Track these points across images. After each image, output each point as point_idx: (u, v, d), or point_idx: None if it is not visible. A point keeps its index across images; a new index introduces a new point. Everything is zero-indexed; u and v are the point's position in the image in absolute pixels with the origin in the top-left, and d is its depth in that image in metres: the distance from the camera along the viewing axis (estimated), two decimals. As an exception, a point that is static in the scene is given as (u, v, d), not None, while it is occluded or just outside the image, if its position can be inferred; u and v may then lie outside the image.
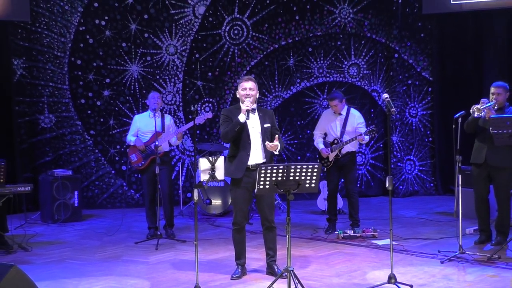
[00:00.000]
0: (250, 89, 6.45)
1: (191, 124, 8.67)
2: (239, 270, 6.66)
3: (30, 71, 11.00)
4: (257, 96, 6.59)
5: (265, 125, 6.50)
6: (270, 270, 6.66)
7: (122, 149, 11.22)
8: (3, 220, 8.21)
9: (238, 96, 6.56)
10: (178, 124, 10.99)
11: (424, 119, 12.08)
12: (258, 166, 6.03)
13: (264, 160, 6.48)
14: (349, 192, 8.59)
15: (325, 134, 8.61)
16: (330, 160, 8.42)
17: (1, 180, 7.88)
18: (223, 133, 6.49)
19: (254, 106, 6.50)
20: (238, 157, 6.47)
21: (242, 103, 6.42)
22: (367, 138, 8.20)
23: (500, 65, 11.54)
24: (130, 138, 8.71)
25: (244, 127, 6.41)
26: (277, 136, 6.37)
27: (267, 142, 6.35)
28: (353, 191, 8.62)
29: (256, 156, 6.48)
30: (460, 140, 7.26)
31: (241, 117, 6.33)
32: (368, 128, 8.19)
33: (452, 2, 11.46)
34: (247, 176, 6.43)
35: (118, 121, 11.25)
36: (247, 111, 6.32)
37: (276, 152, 6.40)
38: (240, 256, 6.72)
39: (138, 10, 11.23)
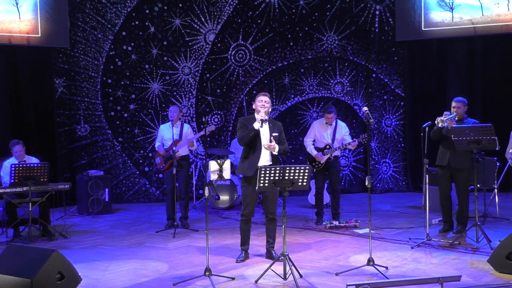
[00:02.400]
0: (266, 101, 6.51)
1: (199, 134, 8.73)
2: (243, 254, 6.69)
3: (69, 88, 11.02)
4: (270, 110, 6.63)
5: (274, 134, 6.52)
6: (269, 254, 6.68)
7: (145, 154, 11.25)
8: (46, 212, 8.26)
9: (254, 107, 6.59)
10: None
11: (397, 128, 12.07)
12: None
13: (271, 163, 6.50)
14: (335, 189, 8.59)
15: (314, 141, 8.63)
16: (322, 163, 8.43)
17: (45, 179, 7.92)
18: (240, 137, 6.54)
19: (267, 117, 6.52)
20: (250, 158, 6.50)
21: (258, 113, 6.46)
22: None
23: (460, 83, 11.56)
24: (157, 144, 8.75)
25: (258, 133, 6.45)
26: (271, 137, 6.41)
27: (264, 143, 6.42)
28: (338, 189, 8.63)
29: (264, 159, 6.51)
30: (427, 145, 7.28)
31: (256, 125, 6.39)
32: (363, 135, 8.29)
33: (422, 29, 11.48)
34: (256, 176, 6.44)
35: (142, 130, 11.27)
36: (261, 120, 6.37)
37: (275, 153, 6.43)
38: (244, 242, 6.74)
39: (159, 38, 11.26)
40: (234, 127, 11.42)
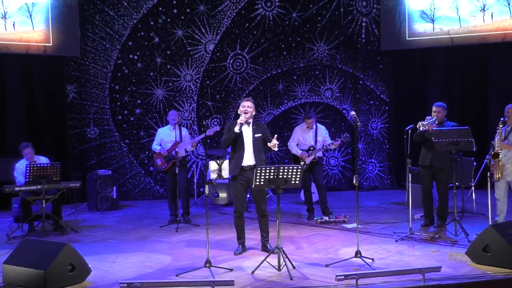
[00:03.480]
0: (248, 106, 6.55)
1: (202, 135, 8.71)
2: (240, 247, 6.70)
3: (80, 94, 11.01)
4: (254, 113, 6.66)
5: (256, 135, 6.58)
6: (264, 247, 6.68)
7: (150, 155, 11.21)
8: (59, 208, 8.25)
9: (239, 112, 6.62)
10: (193, 135, 11.01)
11: (382, 131, 12.09)
12: (250, 166, 6.34)
13: (255, 163, 6.51)
14: (320, 186, 8.66)
15: (297, 145, 8.69)
16: (307, 163, 8.47)
17: (57, 178, 7.93)
18: (223, 140, 6.64)
19: (250, 120, 6.57)
20: (235, 158, 6.57)
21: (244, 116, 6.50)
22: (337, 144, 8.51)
23: (440, 89, 11.59)
24: (155, 147, 8.73)
25: (239, 135, 6.50)
26: (276, 136, 6.45)
27: (248, 143, 6.50)
28: (323, 185, 8.71)
29: (248, 159, 6.55)
30: (409, 147, 7.30)
31: (236, 128, 6.44)
32: (344, 134, 8.54)
33: (406, 39, 11.50)
34: (241, 175, 6.52)
35: (147, 132, 11.25)
36: (241, 124, 6.43)
37: (275, 149, 6.44)
38: (240, 236, 6.75)
39: (163, 48, 11.25)
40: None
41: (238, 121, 6.45)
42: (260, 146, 6.57)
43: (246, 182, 6.51)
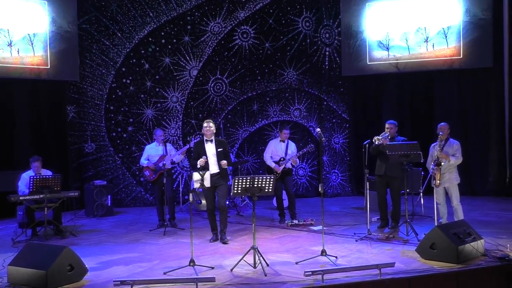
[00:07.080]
0: (210, 126, 7.08)
1: (187, 146, 8.67)
2: (214, 236, 7.20)
3: (78, 114, 10.88)
4: (214, 131, 7.16)
5: (219, 150, 7.06)
6: (221, 237, 7.16)
7: (141, 167, 11.11)
8: (59, 215, 8.13)
9: (203, 131, 7.10)
10: (178, 149, 10.93)
11: (344, 145, 12.18)
12: (215, 174, 6.91)
13: (219, 171, 7.06)
14: (290, 193, 8.67)
15: (271, 157, 8.72)
16: (279, 172, 8.50)
17: (58, 188, 7.82)
18: (192, 165, 7.17)
19: (213, 138, 7.08)
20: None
21: (206, 136, 7.08)
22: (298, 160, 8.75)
23: (391, 109, 11.74)
24: (143, 161, 8.69)
25: (204, 152, 7.02)
26: (225, 161, 7.06)
27: (222, 162, 7.04)
28: (293, 193, 8.72)
29: (213, 168, 7.04)
30: (367, 159, 7.37)
31: (199, 164, 6.70)
32: (309, 145, 8.72)
33: (366, 63, 11.66)
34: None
35: (138, 147, 11.15)
36: (202, 167, 6.61)
37: (225, 167, 7.07)
38: (214, 228, 7.25)
39: (152, 73, 11.21)
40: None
41: (199, 163, 6.67)
42: (222, 158, 7.05)
43: (213, 185, 6.93)
